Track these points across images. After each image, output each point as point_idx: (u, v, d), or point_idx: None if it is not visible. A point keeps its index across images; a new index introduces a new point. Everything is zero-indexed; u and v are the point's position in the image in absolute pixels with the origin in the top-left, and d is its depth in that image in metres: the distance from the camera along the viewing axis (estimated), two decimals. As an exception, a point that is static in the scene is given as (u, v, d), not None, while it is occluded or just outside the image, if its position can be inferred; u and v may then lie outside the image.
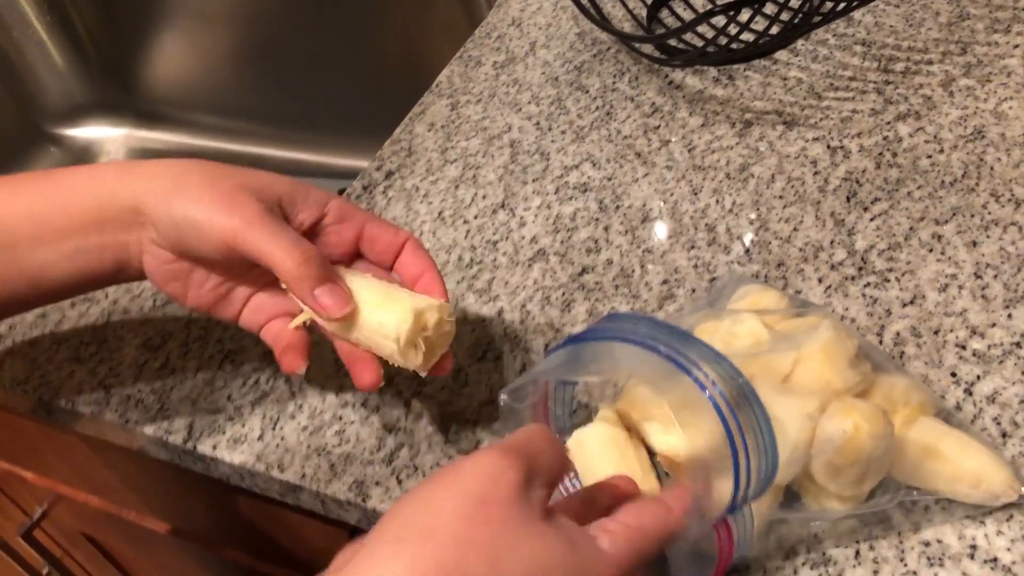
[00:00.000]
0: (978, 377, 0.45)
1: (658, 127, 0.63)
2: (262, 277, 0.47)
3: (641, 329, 0.38)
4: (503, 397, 0.44)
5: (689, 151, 0.61)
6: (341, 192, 0.56)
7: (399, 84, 0.99)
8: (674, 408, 0.34)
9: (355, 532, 0.53)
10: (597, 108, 0.66)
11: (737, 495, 0.33)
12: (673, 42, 0.68)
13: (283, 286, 0.44)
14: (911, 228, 0.52)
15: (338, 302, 0.43)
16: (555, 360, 0.40)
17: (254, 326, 0.48)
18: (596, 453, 0.42)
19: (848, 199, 0.55)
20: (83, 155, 1.22)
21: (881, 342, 0.47)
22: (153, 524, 0.75)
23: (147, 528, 0.76)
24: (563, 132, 0.65)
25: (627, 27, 0.71)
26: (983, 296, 0.48)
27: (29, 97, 1.19)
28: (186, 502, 0.68)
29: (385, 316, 0.43)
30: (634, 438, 0.43)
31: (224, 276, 0.46)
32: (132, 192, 0.44)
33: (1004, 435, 0.43)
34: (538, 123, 0.66)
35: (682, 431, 0.34)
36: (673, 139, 0.62)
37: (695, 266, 0.54)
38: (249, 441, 0.51)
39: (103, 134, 1.23)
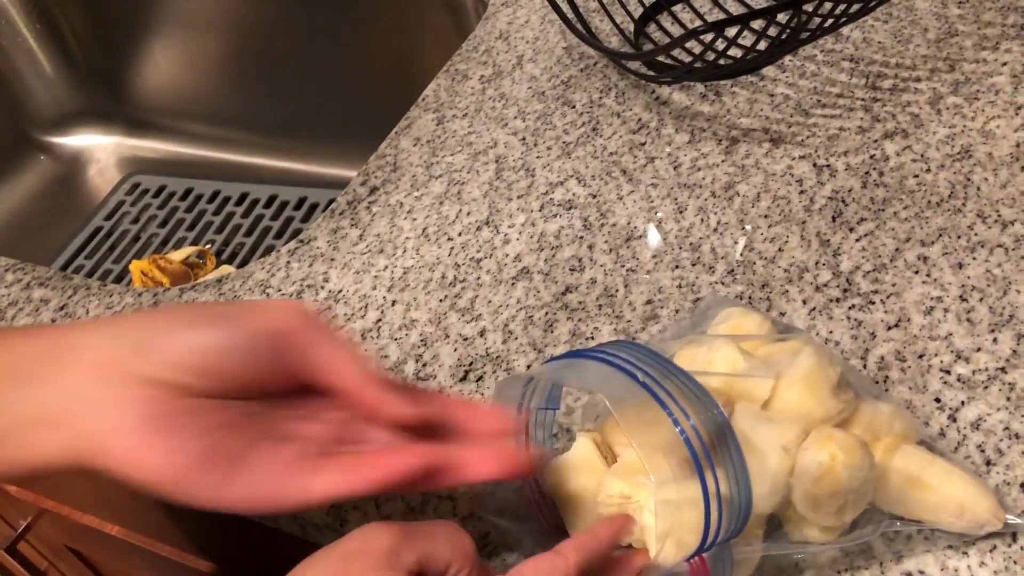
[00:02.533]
0: (962, 403, 0.44)
1: (644, 144, 0.63)
2: None
3: (621, 352, 0.37)
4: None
5: (675, 168, 0.60)
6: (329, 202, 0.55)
7: (388, 93, 0.98)
8: (643, 440, 0.34)
9: (334, 555, 0.52)
10: (583, 124, 0.65)
11: (708, 533, 0.33)
12: (661, 58, 0.68)
13: None
14: (897, 249, 0.52)
15: None
16: (528, 379, 0.39)
17: None
18: (572, 481, 0.41)
19: (834, 219, 0.54)
20: (73, 163, 1.21)
21: (865, 366, 0.47)
22: (136, 539, 0.75)
23: (130, 542, 0.75)
24: (549, 148, 0.64)
25: (615, 42, 0.71)
26: (968, 320, 0.48)
27: (18, 105, 1.19)
28: (167, 517, 0.67)
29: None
30: (612, 464, 0.42)
31: None
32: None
33: (988, 463, 0.42)
34: (524, 139, 0.65)
35: (648, 464, 0.34)
36: (659, 156, 0.61)
37: (679, 286, 0.53)
38: (227, 463, 0.51)
39: (93, 142, 1.22)
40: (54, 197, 1.18)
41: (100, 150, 1.22)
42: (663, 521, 0.34)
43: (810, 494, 0.36)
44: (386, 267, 0.59)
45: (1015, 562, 0.39)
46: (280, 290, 0.59)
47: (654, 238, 0.53)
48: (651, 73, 0.67)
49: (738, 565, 0.37)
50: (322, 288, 0.59)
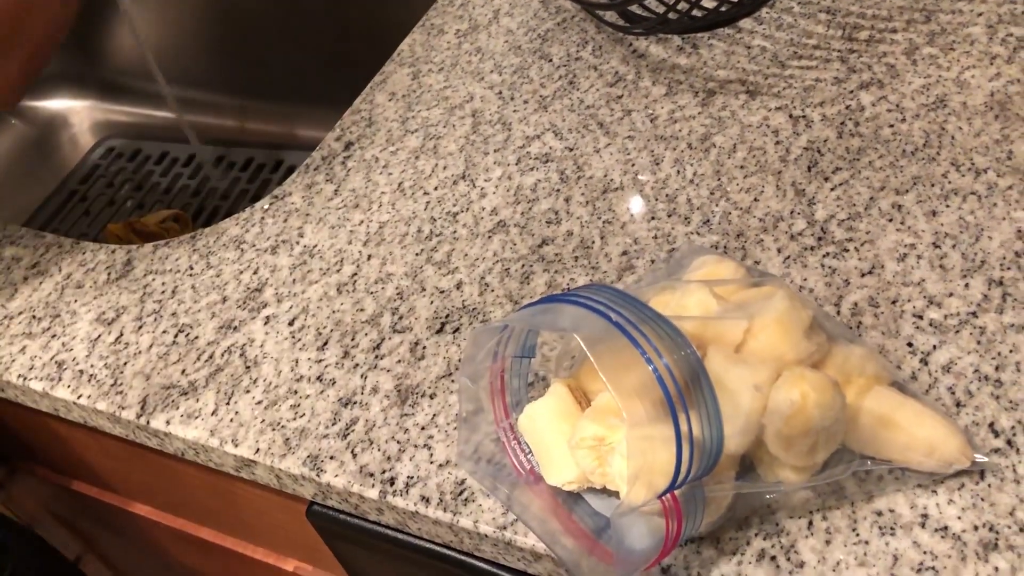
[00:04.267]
0: (934, 347, 0.45)
1: (621, 96, 0.62)
2: None
3: (596, 296, 0.37)
4: (461, 378, 0.43)
5: (652, 121, 0.60)
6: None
7: (365, 54, 0.97)
8: (612, 374, 0.34)
9: (313, 505, 0.52)
10: (560, 77, 0.65)
11: (679, 472, 0.33)
12: (636, 9, 0.67)
13: None
14: (871, 198, 0.52)
15: None
16: (507, 323, 0.39)
17: None
18: (546, 426, 0.41)
19: (809, 169, 0.54)
20: (46, 127, 1.19)
21: (839, 312, 0.47)
22: (113, 499, 0.75)
23: (108, 504, 0.75)
24: (526, 102, 0.64)
25: (592, -5, 0.70)
26: (941, 266, 0.48)
27: (-11, 68, 1.17)
28: (144, 477, 0.67)
29: None
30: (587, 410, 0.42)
31: None
32: None
33: (958, 404, 0.42)
34: (500, 92, 0.65)
35: (620, 401, 0.34)
36: (636, 109, 0.61)
37: (655, 237, 0.53)
38: (203, 416, 0.51)
39: (67, 106, 1.21)
40: (27, 161, 1.16)
41: (74, 114, 1.20)
42: (634, 461, 0.34)
43: (782, 433, 0.37)
44: (362, 222, 0.59)
45: (982, 499, 0.39)
46: (255, 245, 0.59)
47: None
48: (626, 24, 0.66)
49: (710, 503, 0.37)
50: (297, 243, 0.58)
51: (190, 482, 0.62)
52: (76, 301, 0.59)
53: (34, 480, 0.81)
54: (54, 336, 0.57)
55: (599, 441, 0.39)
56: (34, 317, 0.58)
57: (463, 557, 0.48)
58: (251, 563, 0.71)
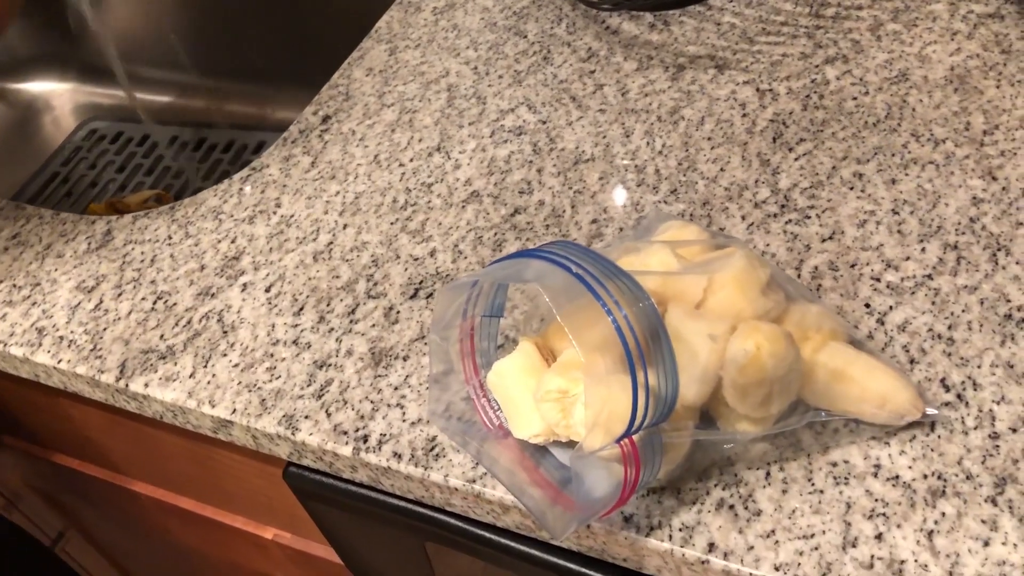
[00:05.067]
0: (890, 308, 0.46)
1: (594, 71, 0.63)
2: None
3: (561, 251, 0.38)
4: (432, 336, 0.44)
5: (623, 95, 0.61)
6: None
7: (345, 35, 0.98)
8: (575, 328, 0.35)
9: (290, 465, 0.54)
10: (535, 53, 0.66)
11: (634, 418, 0.34)
12: (611, -12, 0.69)
13: None
14: (833, 167, 0.53)
15: None
16: (475, 277, 0.40)
17: None
18: (514, 382, 0.42)
19: (774, 140, 0.56)
20: (28, 109, 1.20)
21: (799, 276, 0.49)
22: (94, 471, 0.75)
23: (90, 476, 0.76)
24: (500, 76, 0.65)
25: (566, -27, 0.71)
26: (899, 231, 0.49)
27: (-30, 50, 1.17)
28: (125, 447, 0.68)
29: None
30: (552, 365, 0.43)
31: None
32: None
33: (912, 361, 0.44)
34: (476, 68, 0.66)
35: (581, 351, 0.35)
36: (608, 83, 0.62)
37: (623, 206, 0.54)
38: (181, 379, 0.52)
39: (48, 88, 1.21)
40: (9, 143, 1.17)
41: (56, 96, 1.20)
42: (592, 408, 0.36)
43: (737, 383, 0.38)
44: (338, 192, 0.60)
45: (932, 450, 0.41)
46: (232, 215, 0.60)
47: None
48: (596, 0, 0.67)
49: (668, 451, 0.39)
50: (274, 213, 0.60)
51: (170, 450, 0.63)
52: (56, 270, 0.60)
53: (15, 455, 0.81)
54: (34, 304, 0.58)
55: (563, 394, 0.40)
56: (15, 286, 0.59)
57: (434, 514, 0.49)
58: (231, 531, 0.72)
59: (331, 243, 0.57)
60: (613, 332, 0.35)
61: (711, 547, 0.40)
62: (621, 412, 0.35)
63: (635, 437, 0.36)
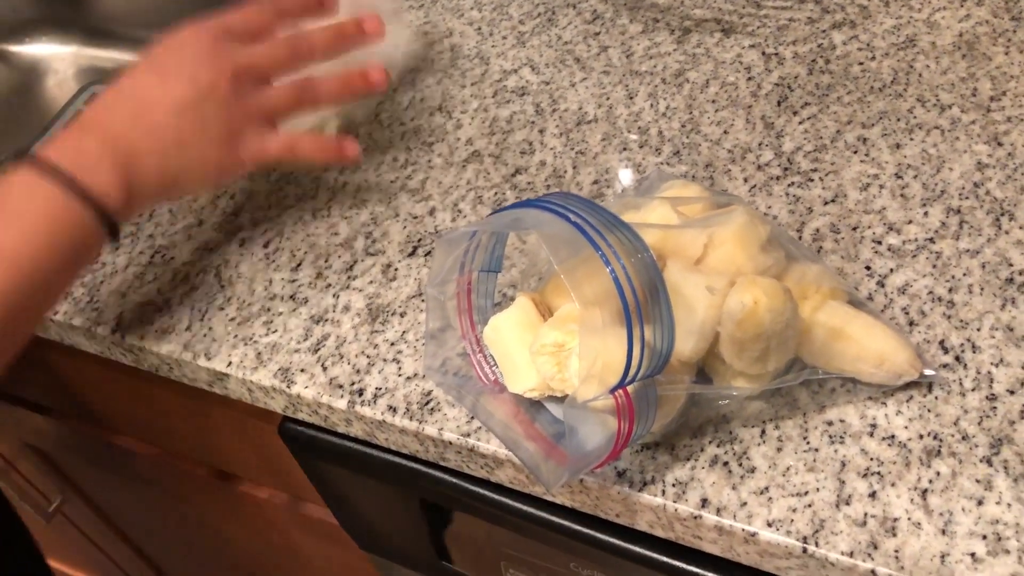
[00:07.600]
0: (891, 270, 0.46)
1: (598, 33, 0.63)
2: None
3: (561, 201, 0.38)
4: (429, 291, 0.44)
5: (627, 57, 0.61)
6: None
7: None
8: (573, 281, 0.35)
9: (285, 421, 0.54)
10: (539, 15, 0.65)
11: (628, 370, 0.34)
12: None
13: None
14: (838, 131, 0.53)
15: None
16: (476, 227, 0.40)
17: None
18: (510, 337, 0.42)
19: (779, 103, 0.55)
20: (30, 72, 1.19)
21: (800, 238, 0.48)
22: (93, 430, 0.75)
23: (88, 434, 0.76)
24: (504, 37, 0.64)
25: (573, -64, 0.70)
26: (902, 195, 0.49)
27: (-28, 11, 1.16)
28: (122, 404, 0.68)
29: None
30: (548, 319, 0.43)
31: None
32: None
33: (911, 323, 0.44)
34: (479, 28, 0.65)
35: (579, 304, 0.35)
36: (612, 45, 0.62)
37: (626, 166, 0.54)
38: (177, 332, 0.51)
39: (51, 51, 1.20)
40: (10, 107, 1.16)
41: (58, 59, 1.19)
42: (587, 361, 0.36)
43: (734, 337, 0.38)
44: (338, 150, 0.59)
45: (929, 410, 0.41)
46: (232, 171, 0.60)
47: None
48: (607, -34, 0.67)
49: (663, 404, 0.38)
50: (273, 170, 0.59)
51: (166, 406, 0.63)
52: (54, 223, 0.59)
53: (13, 417, 0.81)
54: (32, 256, 0.58)
55: (559, 347, 0.40)
56: (12, 238, 0.59)
57: (428, 469, 0.49)
58: (227, 491, 0.72)
59: (330, 200, 0.56)
60: (611, 286, 0.35)
61: (704, 503, 0.40)
62: (615, 363, 0.35)
63: (629, 388, 0.36)
